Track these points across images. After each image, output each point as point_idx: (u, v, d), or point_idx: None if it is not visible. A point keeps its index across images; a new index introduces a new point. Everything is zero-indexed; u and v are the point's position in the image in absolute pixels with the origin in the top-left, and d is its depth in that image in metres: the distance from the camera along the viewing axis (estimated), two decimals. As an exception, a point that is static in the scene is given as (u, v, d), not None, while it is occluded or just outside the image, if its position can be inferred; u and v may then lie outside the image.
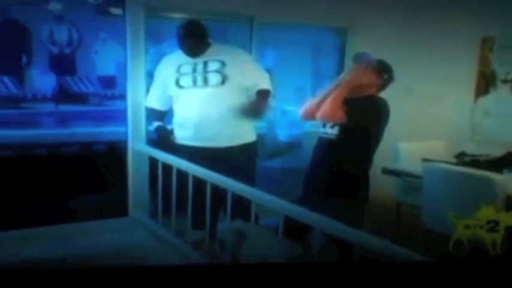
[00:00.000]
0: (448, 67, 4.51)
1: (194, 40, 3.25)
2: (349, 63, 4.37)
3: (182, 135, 3.35)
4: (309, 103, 2.91)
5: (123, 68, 3.64)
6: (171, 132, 3.40)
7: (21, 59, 4.77)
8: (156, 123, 3.43)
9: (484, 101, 4.63)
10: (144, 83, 3.54)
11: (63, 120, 4.48)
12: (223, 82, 3.22)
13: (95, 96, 4.73)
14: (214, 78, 3.24)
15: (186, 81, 3.27)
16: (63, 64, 4.95)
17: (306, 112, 2.91)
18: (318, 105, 2.79)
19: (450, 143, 4.13)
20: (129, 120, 3.55)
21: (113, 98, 4.63)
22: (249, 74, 3.29)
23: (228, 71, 3.23)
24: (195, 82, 3.26)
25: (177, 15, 3.69)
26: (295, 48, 4.57)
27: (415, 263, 1.59)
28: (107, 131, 4.08)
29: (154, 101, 3.44)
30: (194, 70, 3.26)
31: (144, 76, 3.53)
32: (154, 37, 3.96)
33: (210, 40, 3.31)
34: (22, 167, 3.66)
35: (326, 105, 2.73)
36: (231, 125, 3.23)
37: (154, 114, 3.46)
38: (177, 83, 3.29)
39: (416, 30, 4.35)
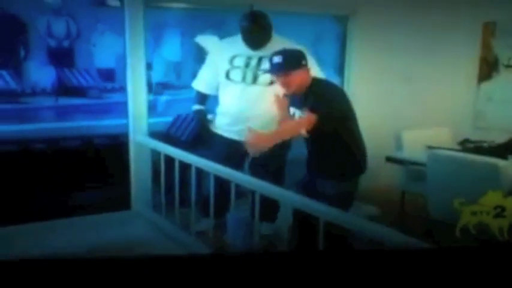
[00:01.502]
0: (450, 53, 4.48)
1: (257, 33, 3.24)
2: (350, 51, 4.36)
3: (221, 124, 3.38)
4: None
5: (122, 60, 3.61)
6: (209, 118, 3.44)
7: (19, 53, 4.74)
8: (196, 107, 3.45)
9: (487, 86, 4.60)
10: (144, 74, 3.51)
11: (63, 114, 4.47)
12: (272, 82, 3.21)
13: (94, 89, 4.71)
14: (264, 77, 3.23)
15: (236, 75, 3.28)
16: (61, 57, 4.93)
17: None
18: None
19: (454, 130, 4.10)
20: (130, 112, 3.52)
21: (113, 90, 4.61)
22: None
23: None
24: (244, 78, 3.26)
25: (176, 5, 3.66)
26: (296, 36, 4.52)
27: (419, 251, 1.58)
28: (108, 124, 4.06)
29: (202, 84, 3.44)
30: (247, 65, 3.26)
31: (144, 67, 3.50)
32: (154, 27, 3.93)
33: (272, 32, 3.29)
34: (23, 162, 3.64)
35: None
36: (271, 124, 3.24)
37: (197, 97, 3.47)
38: (227, 75, 3.29)
39: (418, 17, 4.31)
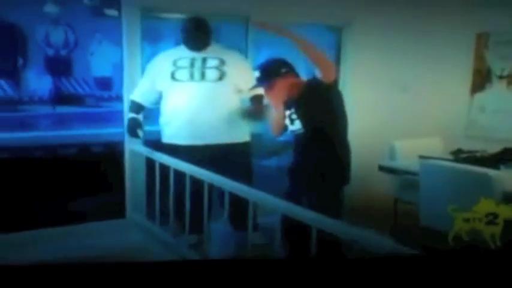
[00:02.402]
0: (443, 64, 4.52)
1: (200, 33, 3.26)
2: (344, 60, 4.40)
3: (171, 133, 3.29)
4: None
5: (119, 69, 3.64)
6: (142, 126, 3.34)
7: (18, 62, 4.77)
8: (130, 115, 3.37)
9: (480, 97, 4.64)
10: (140, 83, 3.53)
11: (60, 122, 4.48)
12: (221, 78, 3.21)
13: (91, 98, 4.73)
14: (212, 73, 3.22)
15: (182, 74, 3.23)
16: (59, 66, 4.95)
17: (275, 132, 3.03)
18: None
19: (446, 140, 4.13)
20: (126, 121, 3.55)
21: (110, 99, 4.63)
22: (245, 76, 3.27)
23: (227, 69, 3.22)
24: (192, 76, 3.22)
25: (173, 16, 3.70)
26: (291, 47, 4.56)
27: (411, 258, 1.60)
28: (103, 133, 4.08)
29: (140, 95, 3.38)
30: (192, 65, 3.23)
31: (141, 77, 3.53)
32: (151, 37, 3.96)
33: (211, 39, 3.32)
34: (19, 170, 3.66)
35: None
36: (225, 122, 3.21)
37: (134, 107, 3.39)
38: (173, 76, 3.24)
39: (411, 28, 4.36)
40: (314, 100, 2.73)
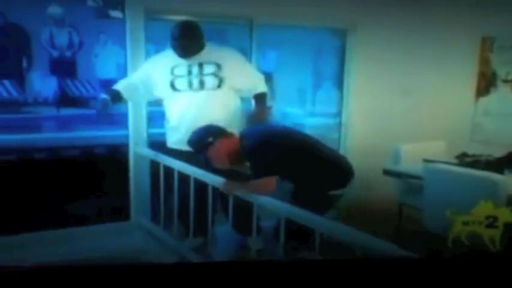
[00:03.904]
0: (448, 67, 4.52)
1: (189, 40, 3.18)
2: (349, 64, 4.40)
3: (175, 139, 3.28)
4: None
5: (123, 71, 3.64)
6: (110, 102, 3.23)
7: (22, 63, 4.79)
8: (103, 95, 3.27)
9: (484, 101, 4.63)
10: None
11: (64, 124, 4.50)
12: (219, 85, 3.20)
13: (95, 100, 4.74)
14: (210, 81, 3.19)
15: (181, 84, 3.21)
16: (64, 67, 4.97)
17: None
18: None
19: (451, 144, 4.12)
20: (130, 123, 3.56)
21: (114, 101, 4.64)
22: (245, 75, 3.26)
23: (224, 73, 3.20)
24: (191, 85, 3.20)
25: (177, 18, 3.70)
26: (295, 49, 4.56)
27: (414, 262, 1.60)
28: (108, 135, 4.08)
29: (125, 87, 3.30)
30: (190, 73, 3.19)
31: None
32: (155, 39, 3.97)
33: (204, 41, 3.28)
34: (24, 171, 3.67)
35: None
36: (227, 127, 3.20)
37: (111, 95, 3.26)
38: (172, 85, 3.22)
39: (416, 31, 4.35)
40: (259, 152, 2.70)
